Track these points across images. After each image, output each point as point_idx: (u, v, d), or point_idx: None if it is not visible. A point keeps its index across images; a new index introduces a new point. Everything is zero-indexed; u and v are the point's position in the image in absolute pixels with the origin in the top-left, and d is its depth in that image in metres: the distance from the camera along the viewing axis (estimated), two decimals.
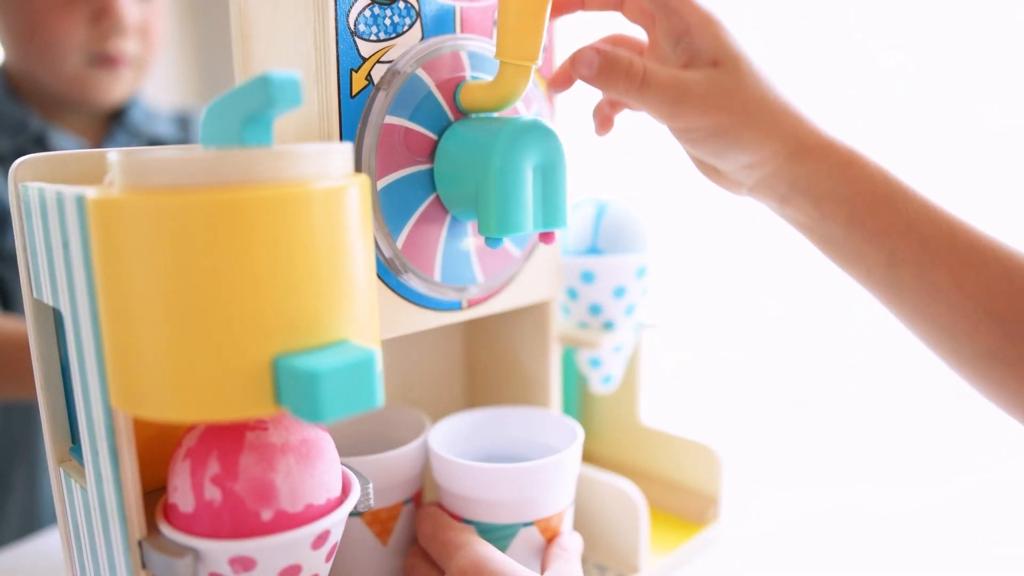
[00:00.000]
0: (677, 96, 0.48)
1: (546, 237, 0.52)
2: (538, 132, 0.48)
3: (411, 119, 0.50)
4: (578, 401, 0.81)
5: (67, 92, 1.00)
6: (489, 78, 0.53)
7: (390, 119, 0.49)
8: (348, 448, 0.60)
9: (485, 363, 0.71)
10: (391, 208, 0.50)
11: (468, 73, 0.53)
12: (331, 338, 0.37)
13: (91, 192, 0.36)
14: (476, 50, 0.53)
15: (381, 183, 0.49)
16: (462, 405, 0.73)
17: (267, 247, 0.35)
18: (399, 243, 0.51)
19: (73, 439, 0.49)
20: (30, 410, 0.98)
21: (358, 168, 0.48)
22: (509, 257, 0.57)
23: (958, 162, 1.04)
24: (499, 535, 0.54)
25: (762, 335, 1.24)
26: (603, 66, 0.48)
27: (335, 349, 0.37)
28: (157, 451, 0.46)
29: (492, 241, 0.49)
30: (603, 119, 0.57)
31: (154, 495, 0.46)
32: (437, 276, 0.53)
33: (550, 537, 0.55)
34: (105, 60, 0.98)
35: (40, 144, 1.00)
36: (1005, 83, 1.01)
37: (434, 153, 0.51)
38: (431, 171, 0.51)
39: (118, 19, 0.96)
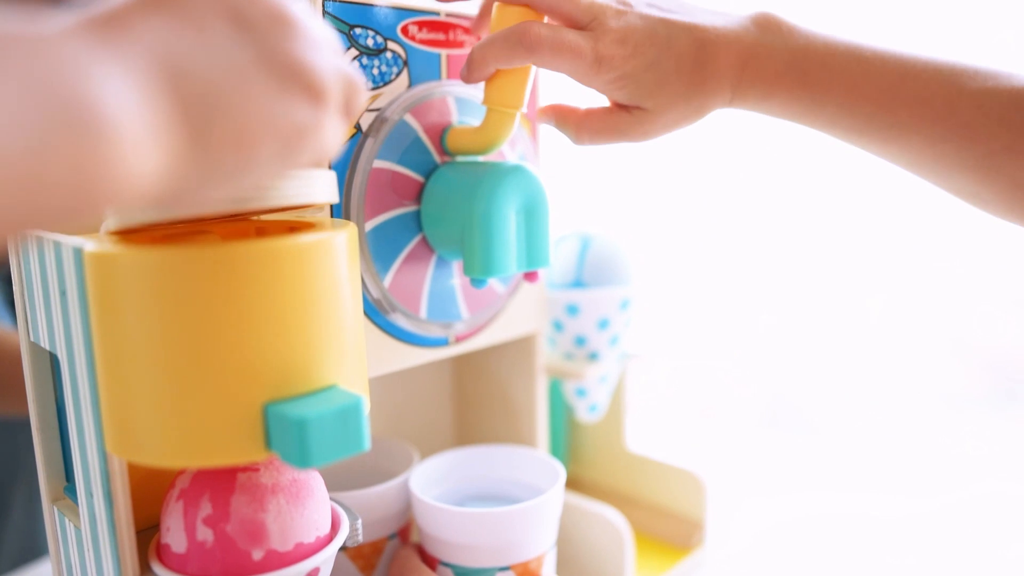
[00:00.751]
0: (610, 136, 0.54)
1: (530, 276, 0.54)
2: (520, 176, 0.50)
3: (399, 163, 0.51)
4: (566, 429, 0.82)
5: None
6: (476, 122, 0.55)
7: (379, 163, 0.50)
8: (339, 482, 0.61)
9: (474, 395, 0.72)
10: (379, 249, 0.51)
11: (455, 117, 0.54)
12: (320, 384, 0.38)
13: (89, 244, 0.38)
14: (463, 95, 0.55)
15: (369, 224, 0.51)
16: (452, 437, 0.74)
17: (256, 299, 0.36)
18: (386, 283, 0.52)
19: (67, 478, 0.50)
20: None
21: (347, 211, 0.50)
22: (494, 294, 0.59)
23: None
24: None
25: (746, 361, 1.26)
26: (551, 115, 0.56)
27: (323, 395, 0.38)
28: (150, 490, 0.47)
29: (477, 282, 0.50)
30: None
31: (146, 533, 0.47)
32: (423, 314, 0.54)
33: None
34: None
35: None
36: None
37: (421, 195, 0.53)
38: (418, 212, 0.53)
39: None
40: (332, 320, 0.39)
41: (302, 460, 0.36)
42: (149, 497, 0.47)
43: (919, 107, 0.50)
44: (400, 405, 0.70)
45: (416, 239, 0.53)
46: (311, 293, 0.38)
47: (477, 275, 0.49)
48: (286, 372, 0.37)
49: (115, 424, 0.38)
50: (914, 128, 0.51)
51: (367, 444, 0.38)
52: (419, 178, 0.53)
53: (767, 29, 0.52)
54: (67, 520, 0.47)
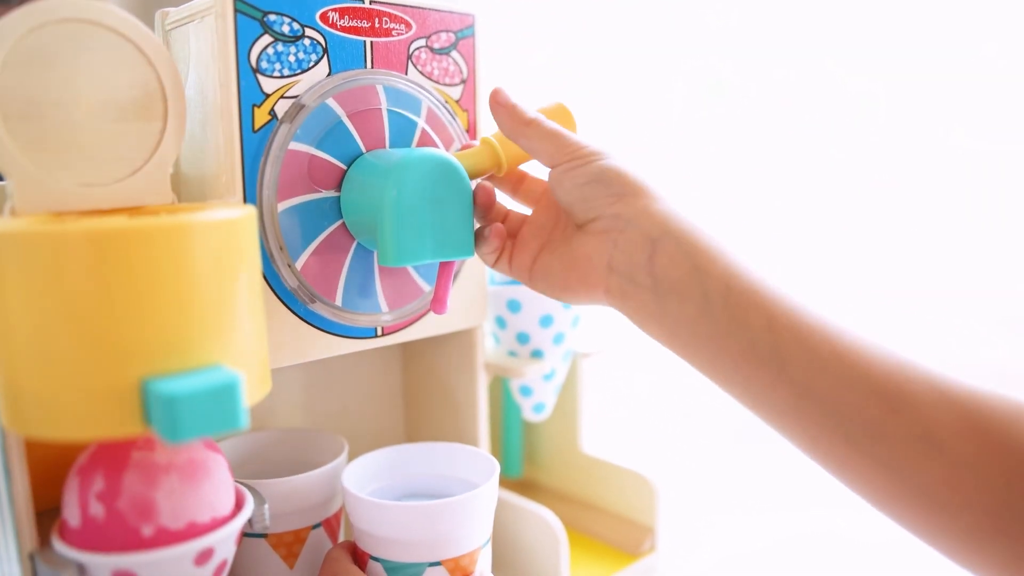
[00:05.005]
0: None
1: (436, 306, 0.54)
2: (436, 162, 0.50)
3: (318, 147, 0.52)
4: (520, 429, 0.82)
5: None
6: (405, 112, 0.55)
7: (295, 145, 0.51)
8: (265, 472, 0.61)
9: (418, 389, 0.72)
10: (291, 232, 0.51)
11: (384, 106, 0.54)
12: (203, 362, 0.39)
13: None
14: (393, 85, 0.55)
15: (281, 206, 0.51)
16: (398, 430, 0.74)
17: (133, 277, 0.36)
18: (299, 265, 0.52)
19: None
20: None
21: (260, 193, 0.50)
22: (418, 290, 0.59)
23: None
24: (405, 574, 0.54)
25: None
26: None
27: (204, 373, 0.38)
28: (63, 469, 0.48)
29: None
30: None
31: (57, 511, 0.47)
32: (339, 301, 0.54)
33: None
34: None
35: None
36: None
37: (342, 182, 0.53)
38: (337, 199, 0.53)
39: None
40: (216, 300, 0.39)
41: (172, 435, 0.36)
42: (62, 477, 0.48)
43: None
44: (346, 398, 0.70)
45: (334, 226, 0.53)
46: (192, 272, 0.38)
47: (390, 263, 0.49)
48: (165, 349, 0.38)
49: (7, 399, 0.39)
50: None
51: (245, 422, 0.38)
52: (341, 165, 0.53)
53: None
54: None
